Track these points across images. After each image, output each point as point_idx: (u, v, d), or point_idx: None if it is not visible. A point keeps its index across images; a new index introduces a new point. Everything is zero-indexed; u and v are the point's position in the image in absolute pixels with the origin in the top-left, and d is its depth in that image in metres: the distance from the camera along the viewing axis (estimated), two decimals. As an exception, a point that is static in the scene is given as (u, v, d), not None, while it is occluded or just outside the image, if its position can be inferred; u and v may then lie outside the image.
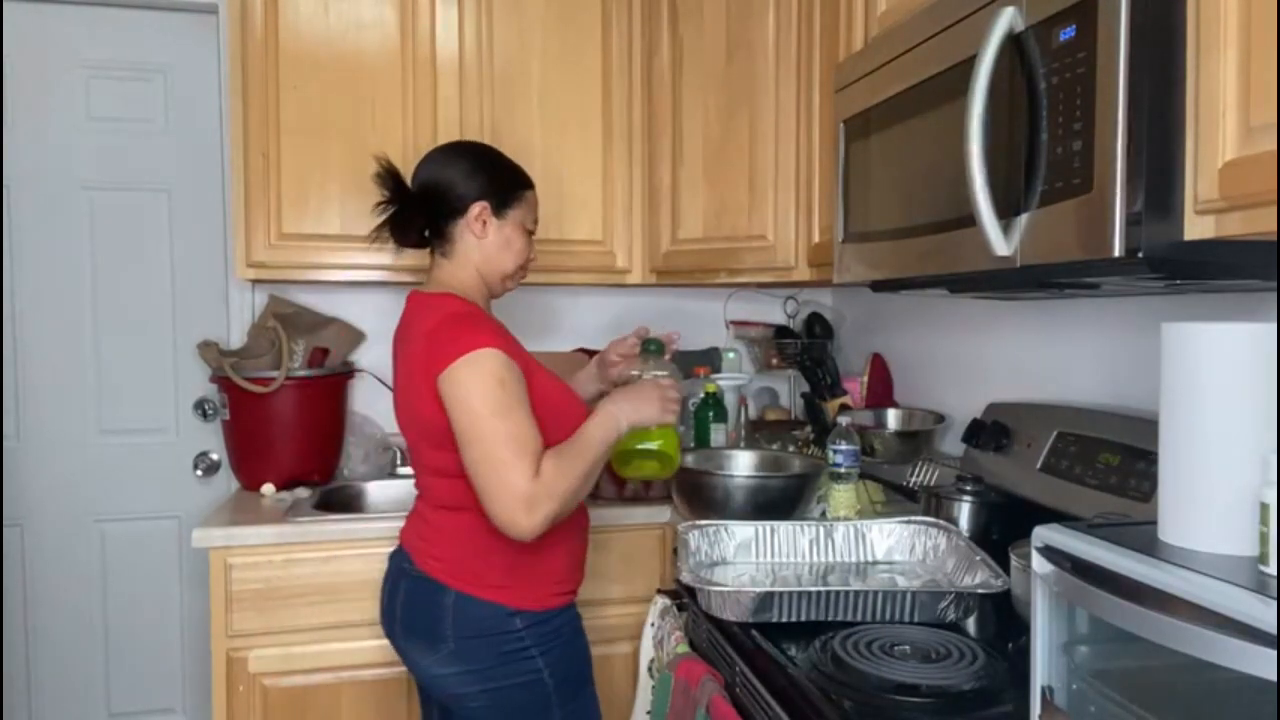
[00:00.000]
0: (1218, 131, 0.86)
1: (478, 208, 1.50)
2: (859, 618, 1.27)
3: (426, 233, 1.53)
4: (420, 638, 1.46)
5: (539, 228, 1.63)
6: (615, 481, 2.07)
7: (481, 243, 1.51)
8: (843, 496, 1.74)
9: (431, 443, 1.44)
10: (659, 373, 1.56)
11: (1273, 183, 0.79)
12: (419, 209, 1.50)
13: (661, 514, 1.99)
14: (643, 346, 1.63)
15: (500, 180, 1.53)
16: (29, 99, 2.33)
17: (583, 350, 2.42)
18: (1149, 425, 1.29)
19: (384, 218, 1.50)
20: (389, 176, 1.49)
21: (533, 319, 2.53)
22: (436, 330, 1.40)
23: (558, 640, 1.47)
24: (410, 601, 1.48)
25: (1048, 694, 0.89)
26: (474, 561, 1.44)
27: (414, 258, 2.16)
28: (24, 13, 2.31)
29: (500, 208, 1.52)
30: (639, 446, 1.50)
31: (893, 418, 2.11)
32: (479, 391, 1.34)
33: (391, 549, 1.87)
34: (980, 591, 1.25)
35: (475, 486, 1.36)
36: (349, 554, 1.84)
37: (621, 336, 1.75)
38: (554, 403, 1.46)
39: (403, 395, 1.49)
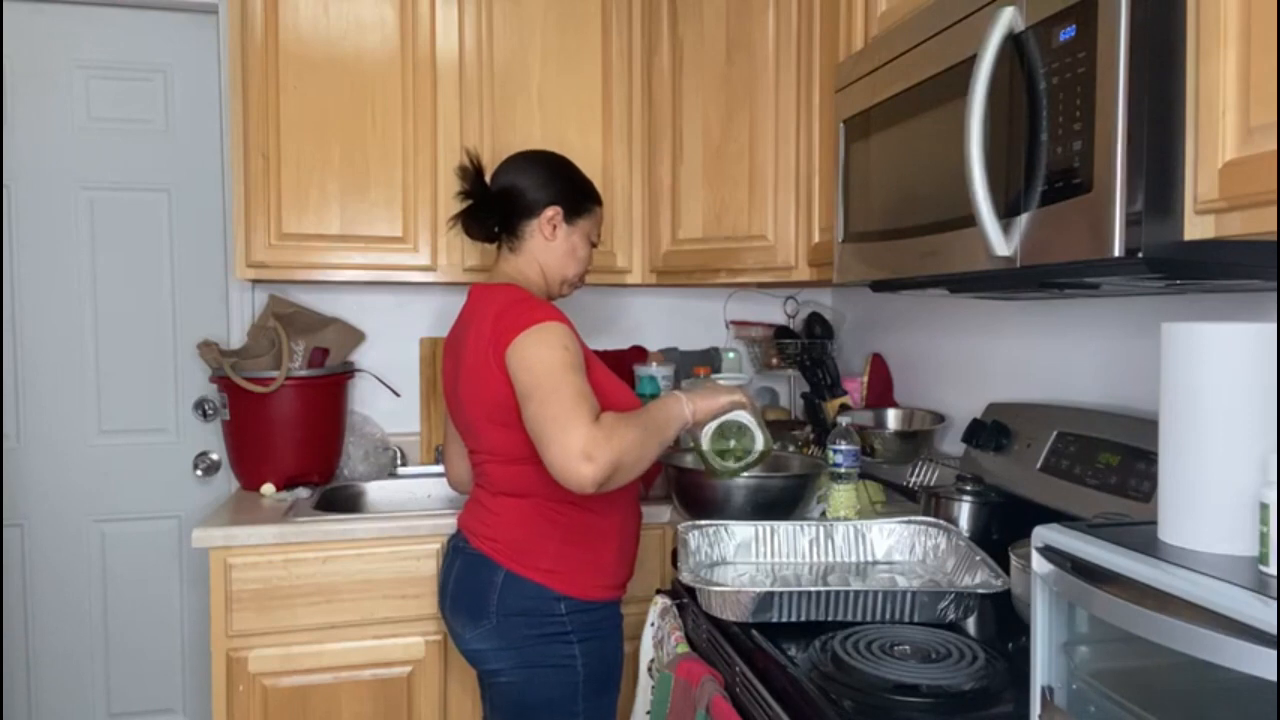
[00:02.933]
0: (1218, 131, 0.86)
1: (551, 211, 1.59)
2: (859, 618, 1.27)
3: (496, 229, 1.63)
4: (466, 611, 1.53)
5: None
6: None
7: (549, 245, 1.61)
8: (843, 496, 1.74)
9: (497, 421, 1.49)
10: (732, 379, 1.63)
11: (1273, 183, 0.79)
12: (495, 208, 1.60)
13: (661, 514, 1.99)
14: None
15: (575, 191, 1.63)
16: (29, 99, 2.33)
17: (583, 350, 2.42)
18: (1149, 425, 1.29)
19: (461, 210, 1.61)
20: (472, 173, 1.60)
21: (533, 319, 2.53)
22: (504, 311, 1.47)
23: (597, 633, 1.54)
24: (461, 576, 1.55)
25: (1048, 694, 0.89)
26: (527, 544, 1.50)
27: (417, 258, 2.17)
28: (24, 13, 2.31)
29: (572, 215, 1.62)
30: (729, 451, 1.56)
31: (893, 418, 2.11)
32: (542, 353, 1.41)
33: (391, 549, 1.89)
34: (980, 591, 1.25)
35: (535, 439, 1.38)
36: (349, 554, 1.84)
37: None
38: (606, 388, 1.51)
39: (467, 379, 1.53)
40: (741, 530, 1.58)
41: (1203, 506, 0.80)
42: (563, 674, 1.50)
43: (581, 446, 1.33)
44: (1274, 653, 0.63)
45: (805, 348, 2.42)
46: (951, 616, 1.27)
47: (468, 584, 1.54)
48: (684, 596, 1.59)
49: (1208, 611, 0.68)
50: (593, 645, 1.52)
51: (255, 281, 2.29)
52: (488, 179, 1.62)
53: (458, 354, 1.58)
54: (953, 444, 1.91)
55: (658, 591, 1.71)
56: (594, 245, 1.68)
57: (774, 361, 2.53)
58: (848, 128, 1.53)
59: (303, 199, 2.10)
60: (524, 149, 1.73)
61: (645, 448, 1.41)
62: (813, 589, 1.28)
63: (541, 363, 1.40)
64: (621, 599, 1.61)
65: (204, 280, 2.44)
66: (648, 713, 1.57)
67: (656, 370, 2.42)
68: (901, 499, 1.90)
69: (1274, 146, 0.79)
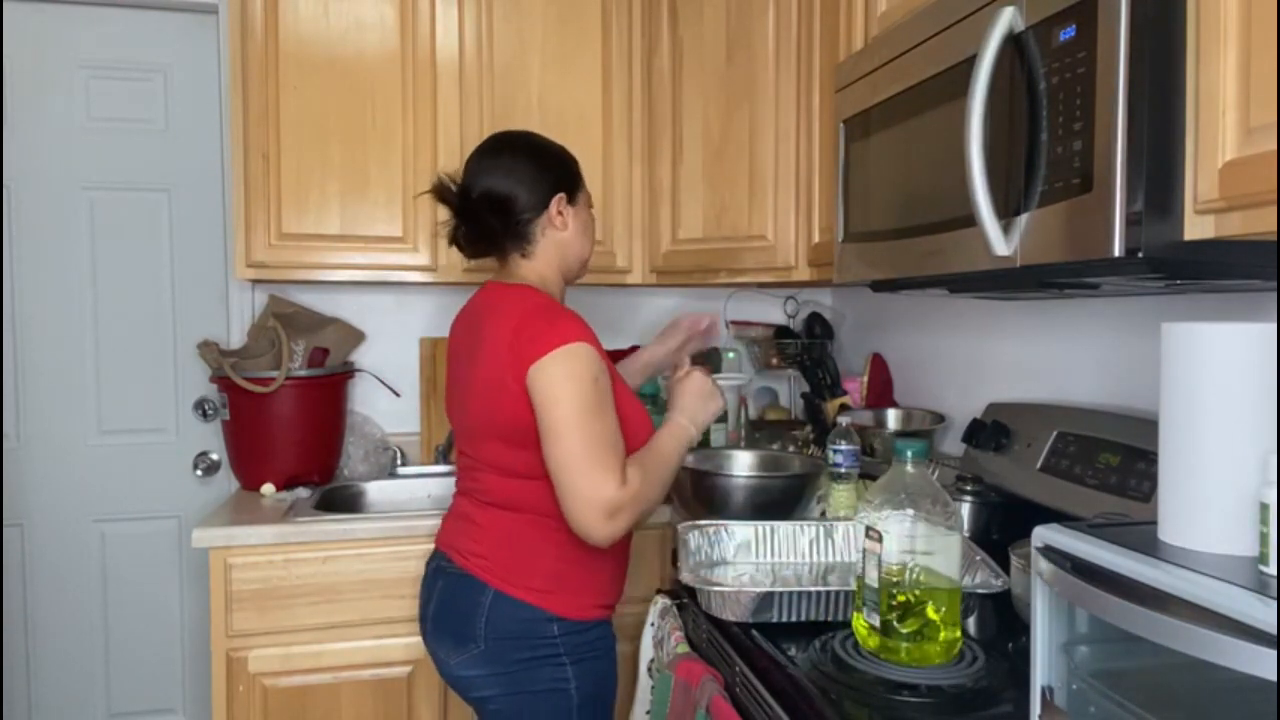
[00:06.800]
0: (1218, 131, 0.86)
1: (556, 202, 1.47)
2: (859, 618, 1.27)
3: (500, 238, 1.48)
4: (450, 636, 1.43)
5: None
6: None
7: (563, 235, 1.49)
8: (843, 496, 1.74)
9: (510, 441, 1.38)
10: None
11: (1273, 183, 0.79)
12: (490, 217, 1.45)
13: (661, 514, 1.99)
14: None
15: (565, 168, 1.51)
16: (29, 99, 2.33)
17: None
18: (1149, 425, 1.29)
19: (453, 232, 1.48)
20: (451, 190, 1.46)
21: (533, 319, 2.52)
22: (524, 323, 1.35)
23: (591, 654, 1.44)
24: (444, 599, 1.45)
25: (1048, 694, 0.89)
26: (520, 563, 1.40)
27: (417, 258, 2.17)
28: (24, 13, 2.31)
29: (574, 193, 1.50)
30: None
31: (893, 418, 2.11)
32: (573, 387, 1.30)
33: (391, 549, 1.88)
34: (980, 591, 1.25)
35: (556, 484, 1.32)
36: (349, 554, 1.84)
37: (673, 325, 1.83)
38: (627, 404, 1.44)
39: (481, 391, 1.40)
40: (741, 530, 1.58)
41: (1203, 506, 0.80)
42: (556, 699, 1.41)
43: (606, 504, 1.29)
44: (1274, 653, 0.63)
45: (805, 348, 2.42)
46: (951, 616, 1.26)
47: (452, 607, 1.44)
48: (684, 596, 1.59)
49: (1208, 611, 0.68)
50: (586, 667, 1.43)
51: (255, 281, 2.29)
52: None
53: (471, 358, 1.44)
54: (953, 444, 1.91)
55: (658, 591, 1.71)
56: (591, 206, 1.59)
57: (774, 361, 2.53)
58: (848, 128, 1.53)
59: (303, 199, 2.10)
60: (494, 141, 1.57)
61: (660, 492, 1.40)
62: (813, 589, 1.28)
63: (570, 401, 1.30)
64: (612, 619, 1.54)
65: (204, 280, 2.44)
66: (648, 713, 1.57)
67: (656, 370, 2.42)
68: (901, 499, 1.89)
69: (1274, 146, 0.79)
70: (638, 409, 1.48)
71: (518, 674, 1.39)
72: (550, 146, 1.52)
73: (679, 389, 1.50)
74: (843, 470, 1.75)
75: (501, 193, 1.44)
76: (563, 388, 1.30)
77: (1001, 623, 1.31)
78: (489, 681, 1.41)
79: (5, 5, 2.29)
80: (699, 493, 1.76)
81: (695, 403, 1.49)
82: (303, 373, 2.15)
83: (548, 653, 1.40)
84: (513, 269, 1.50)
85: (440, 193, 1.47)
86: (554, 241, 1.48)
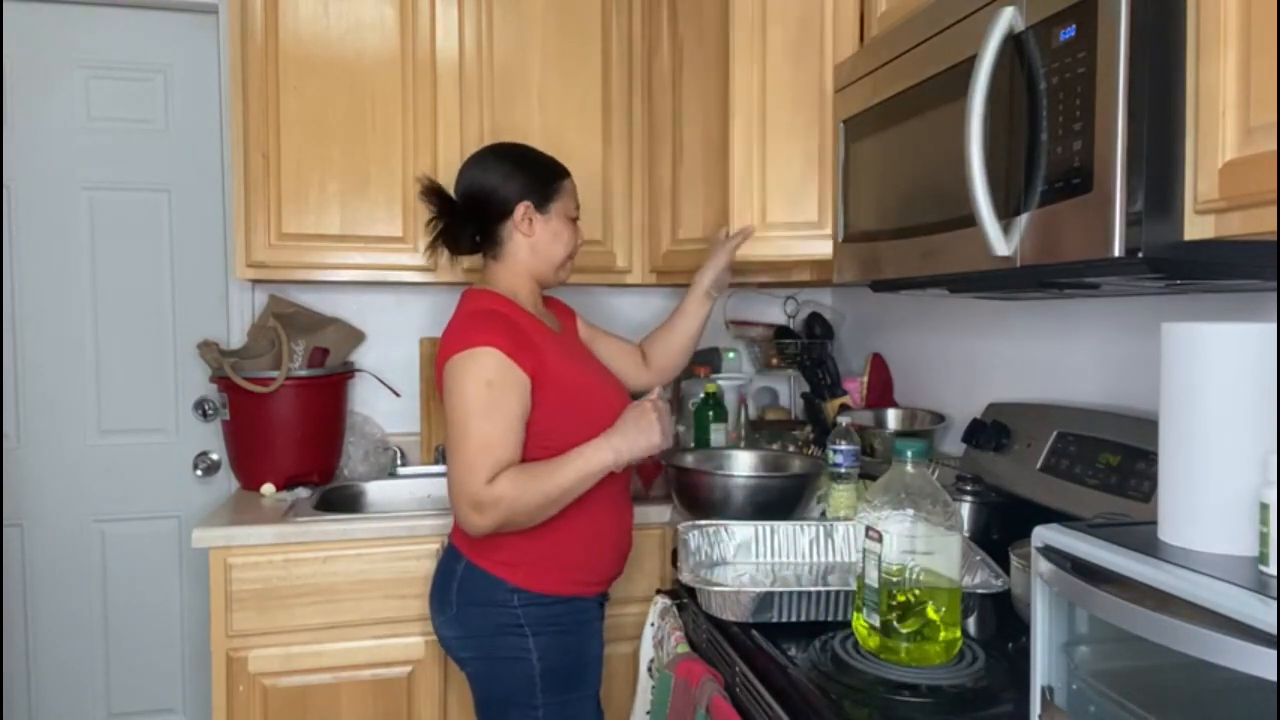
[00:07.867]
0: (1218, 131, 0.86)
1: (522, 208, 1.57)
2: (859, 618, 1.27)
3: (478, 238, 1.62)
4: (435, 598, 1.58)
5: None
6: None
7: (530, 240, 1.59)
8: (843, 496, 1.74)
9: None
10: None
11: (1273, 183, 0.79)
12: (467, 218, 1.60)
13: (661, 514, 1.99)
14: None
15: (538, 177, 1.60)
16: (29, 99, 2.33)
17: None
18: (1149, 425, 1.29)
19: (436, 231, 1.61)
20: (434, 193, 1.60)
21: (533, 319, 2.52)
22: (452, 325, 1.51)
23: (554, 627, 1.51)
24: (438, 566, 1.61)
25: (1048, 694, 0.89)
26: (487, 536, 1.49)
27: (417, 258, 2.17)
28: (24, 13, 2.31)
29: (543, 203, 1.59)
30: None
31: (893, 418, 2.11)
32: (465, 388, 1.43)
33: (391, 549, 1.89)
34: (980, 591, 1.25)
35: (447, 471, 1.46)
36: (349, 554, 1.84)
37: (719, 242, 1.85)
38: (568, 403, 1.51)
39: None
40: (741, 530, 1.58)
41: (1203, 506, 0.80)
42: (518, 666, 1.49)
43: (470, 498, 1.40)
44: (1274, 653, 0.63)
45: (805, 348, 2.42)
46: (951, 616, 1.26)
47: (438, 572, 1.59)
48: (684, 596, 1.59)
49: (1208, 611, 0.68)
50: (549, 640, 1.50)
51: (255, 281, 2.29)
52: (450, 192, 1.63)
53: None
54: (953, 444, 1.91)
55: (658, 591, 1.71)
56: (574, 219, 1.65)
57: (774, 361, 2.53)
58: (848, 128, 1.53)
59: (303, 199, 2.10)
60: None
61: (549, 505, 1.45)
62: (813, 589, 1.28)
63: (459, 399, 1.43)
64: (595, 595, 1.59)
65: (204, 280, 2.44)
66: (648, 713, 1.58)
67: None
68: (901, 499, 1.89)
69: (1274, 146, 0.79)
70: (595, 402, 1.55)
71: (484, 639, 1.51)
72: (528, 155, 1.63)
73: (626, 413, 1.53)
74: (843, 470, 1.75)
75: (471, 193, 1.59)
76: (456, 386, 1.44)
77: (1001, 623, 1.31)
78: (463, 644, 1.54)
79: (5, 5, 2.29)
80: (699, 493, 1.76)
81: (631, 431, 1.50)
82: (303, 373, 2.15)
83: (510, 621, 1.50)
84: (486, 272, 1.64)
85: (425, 195, 1.62)
86: (521, 245, 1.59)
